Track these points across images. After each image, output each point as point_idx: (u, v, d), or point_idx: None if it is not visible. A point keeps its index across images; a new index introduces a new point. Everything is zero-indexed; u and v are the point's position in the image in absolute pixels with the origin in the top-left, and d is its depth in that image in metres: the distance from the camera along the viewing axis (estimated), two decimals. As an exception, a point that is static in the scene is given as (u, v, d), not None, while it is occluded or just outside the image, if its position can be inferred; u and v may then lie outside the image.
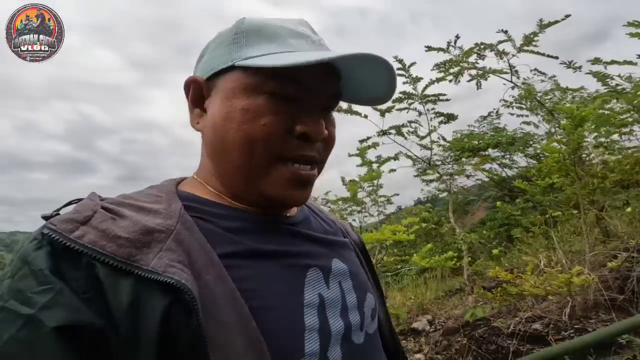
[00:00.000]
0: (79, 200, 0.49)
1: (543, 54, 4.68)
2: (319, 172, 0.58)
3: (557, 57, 4.60)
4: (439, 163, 6.18)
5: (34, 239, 0.42)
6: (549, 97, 4.87)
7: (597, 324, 2.29)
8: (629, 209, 2.98)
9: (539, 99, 4.68)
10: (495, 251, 4.13)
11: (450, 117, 5.29)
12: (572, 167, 2.66)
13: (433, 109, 5.19)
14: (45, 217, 0.47)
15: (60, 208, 0.49)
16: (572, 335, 2.21)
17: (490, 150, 6.05)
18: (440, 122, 5.33)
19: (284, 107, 0.52)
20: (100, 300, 0.39)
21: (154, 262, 0.41)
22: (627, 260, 2.48)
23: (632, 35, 2.92)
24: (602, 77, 3.40)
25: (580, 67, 4.11)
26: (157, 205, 0.48)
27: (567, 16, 4.03)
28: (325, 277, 0.54)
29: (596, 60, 3.74)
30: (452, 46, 4.85)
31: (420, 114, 5.22)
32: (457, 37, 4.87)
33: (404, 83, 5.02)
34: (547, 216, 3.51)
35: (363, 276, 0.63)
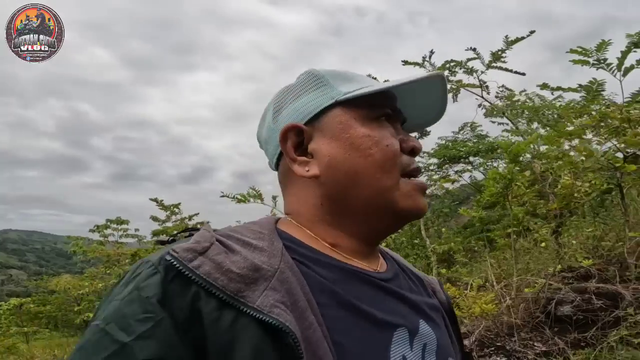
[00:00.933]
0: (195, 229, 0.51)
1: (510, 70, 4.93)
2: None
3: (524, 74, 4.87)
4: (423, 170, 6.36)
5: (152, 265, 0.43)
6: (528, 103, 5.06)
7: (515, 342, 2.52)
8: (543, 244, 3.21)
9: (511, 109, 4.89)
10: (443, 270, 4.26)
11: (423, 133, 5.47)
12: (504, 200, 2.87)
13: None
14: (160, 242, 0.50)
15: (176, 235, 0.53)
16: (491, 352, 2.43)
17: (471, 157, 6.27)
18: (415, 137, 5.52)
19: (391, 130, 0.57)
20: (198, 333, 0.40)
21: (260, 300, 0.42)
22: (549, 285, 2.72)
23: (575, 62, 3.16)
24: (534, 112, 3.61)
25: (551, 88, 4.31)
26: (261, 242, 0.49)
27: (532, 32, 4.30)
28: (410, 339, 0.53)
29: (544, 86, 4.00)
30: (427, 61, 5.07)
31: None
32: (432, 52, 5.10)
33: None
34: (484, 242, 3.72)
35: (446, 340, 0.61)
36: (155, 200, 7.04)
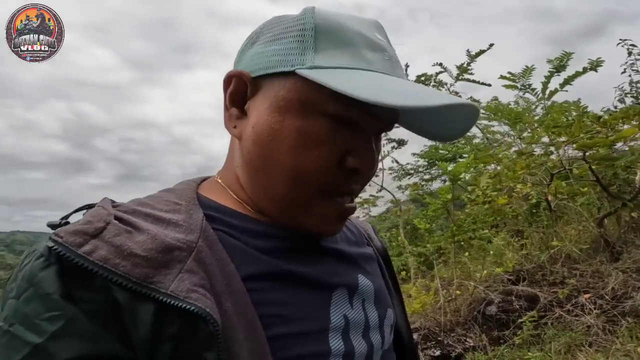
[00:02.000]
0: (90, 206, 0.44)
1: (477, 82, 5.19)
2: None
3: (490, 85, 5.14)
4: (412, 172, 6.62)
5: (40, 255, 0.37)
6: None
7: (453, 337, 2.90)
8: (464, 258, 3.55)
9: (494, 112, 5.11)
10: (402, 273, 4.57)
11: (400, 143, 5.77)
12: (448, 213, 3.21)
13: (385, 135, 5.68)
14: (52, 226, 0.41)
15: (69, 215, 0.43)
16: (431, 345, 2.82)
17: (460, 159, 6.54)
18: (393, 147, 5.80)
19: (340, 134, 0.46)
20: (117, 327, 0.35)
21: (174, 285, 0.37)
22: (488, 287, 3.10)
23: (507, 87, 3.44)
24: (509, 116, 3.88)
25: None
26: (176, 215, 0.43)
27: (491, 45, 4.56)
28: (350, 297, 0.51)
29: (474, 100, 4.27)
30: (406, 74, 5.38)
31: None
32: (407, 65, 5.39)
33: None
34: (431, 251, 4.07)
35: (385, 290, 0.59)
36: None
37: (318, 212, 0.48)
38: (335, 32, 0.46)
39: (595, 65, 3.31)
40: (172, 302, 0.36)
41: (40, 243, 0.39)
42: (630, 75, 2.95)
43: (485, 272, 3.15)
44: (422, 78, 5.09)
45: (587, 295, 2.69)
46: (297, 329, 0.44)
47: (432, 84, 5.12)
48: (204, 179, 0.55)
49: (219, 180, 0.54)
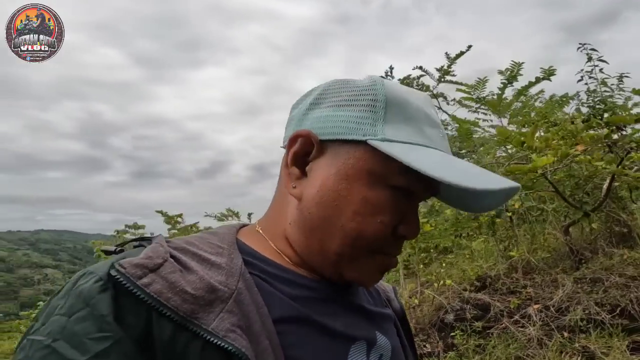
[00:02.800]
0: (144, 239, 0.48)
1: (460, 83, 5.15)
2: None
3: (467, 85, 5.08)
4: None
5: (99, 279, 0.40)
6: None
7: (419, 342, 2.95)
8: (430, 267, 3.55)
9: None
10: (390, 275, 4.63)
11: None
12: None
13: None
14: (107, 252, 0.45)
15: (124, 244, 0.48)
16: None
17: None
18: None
19: (401, 205, 0.49)
20: (152, 354, 0.38)
21: (215, 323, 0.40)
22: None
23: (464, 99, 3.40)
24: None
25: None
26: (219, 258, 0.47)
27: (470, 47, 4.50)
28: (367, 350, 0.52)
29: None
30: (390, 76, 5.38)
31: None
32: (392, 67, 5.39)
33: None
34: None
35: (400, 350, 0.60)
36: (160, 212, 7.74)
37: (364, 268, 0.51)
38: (403, 106, 0.48)
39: (548, 74, 3.23)
40: (212, 339, 0.39)
41: (98, 266, 0.42)
42: (587, 84, 2.87)
43: (442, 282, 3.17)
44: (406, 81, 5.08)
45: (536, 306, 2.69)
46: None
47: (414, 86, 5.11)
48: (243, 226, 0.58)
49: (259, 230, 0.56)
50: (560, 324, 2.41)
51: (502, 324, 2.71)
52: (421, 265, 3.60)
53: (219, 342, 0.39)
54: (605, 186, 2.94)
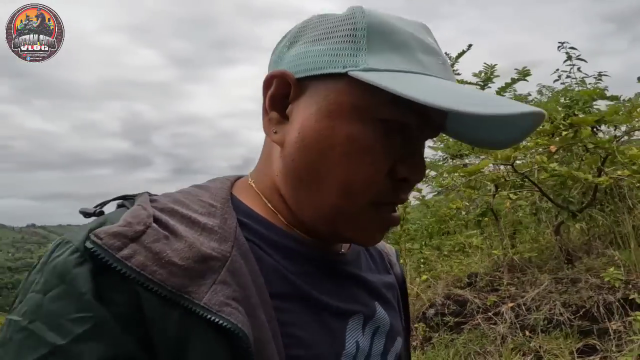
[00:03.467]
0: (126, 197, 0.43)
1: (465, 82, 5.10)
2: None
3: (478, 85, 5.01)
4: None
5: (75, 250, 0.35)
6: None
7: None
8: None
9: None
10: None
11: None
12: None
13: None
14: (86, 214, 0.41)
15: (104, 204, 0.44)
16: None
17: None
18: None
19: (393, 140, 0.43)
20: (142, 332, 0.34)
21: (208, 296, 0.36)
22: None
23: None
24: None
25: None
26: (211, 220, 0.42)
27: (470, 45, 4.42)
28: (364, 324, 0.50)
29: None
30: None
31: None
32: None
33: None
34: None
35: (397, 319, 0.58)
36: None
37: (363, 225, 0.46)
38: (389, 33, 0.43)
39: (524, 75, 3.14)
40: (205, 314, 0.35)
41: (75, 234, 0.37)
42: (563, 83, 2.74)
43: (424, 277, 3.23)
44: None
45: (510, 304, 2.71)
46: (314, 352, 0.43)
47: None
48: (238, 178, 0.53)
49: (253, 185, 0.51)
50: (527, 323, 2.43)
51: (475, 321, 2.75)
52: (408, 261, 3.66)
53: (213, 318, 0.35)
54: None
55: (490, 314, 2.74)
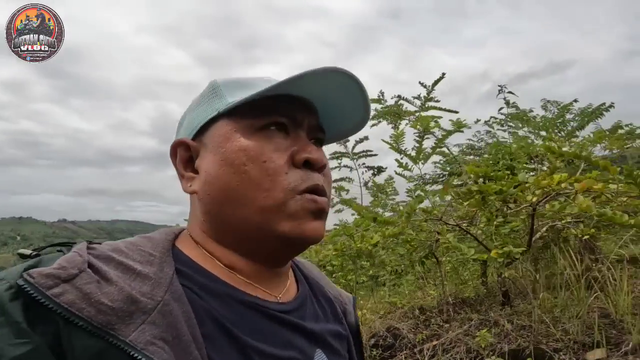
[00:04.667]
0: (64, 244, 0.47)
1: (445, 109, 5.22)
2: (326, 215, 0.54)
3: (457, 112, 5.12)
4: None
5: (10, 287, 0.39)
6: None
7: None
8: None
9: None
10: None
11: (379, 170, 5.93)
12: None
13: (364, 164, 5.87)
14: (23, 256, 0.45)
15: (42, 248, 0.47)
16: None
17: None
18: (372, 174, 5.97)
19: (278, 140, 0.52)
20: None
21: (134, 335, 0.39)
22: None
23: (390, 146, 3.53)
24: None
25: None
26: (147, 267, 0.45)
27: (444, 74, 4.57)
28: None
29: None
30: (381, 99, 5.57)
31: (351, 169, 5.92)
32: (382, 92, 5.60)
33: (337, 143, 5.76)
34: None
35: None
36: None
37: (292, 213, 0.50)
38: (238, 81, 0.56)
39: (458, 126, 3.29)
40: (130, 351, 0.37)
41: (10, 272, 0.40)
42: (495, 136, 2.84)
43: (364, 310, 3.43)
44: (382, 108, 5.25)
45: (434, 343, 2.87)
46: None
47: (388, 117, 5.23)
48: (183, 229, 0.58)
49: (191, 236, 0.55)
50: (438, 363, 2.58)
51: (400, 356, 2.92)
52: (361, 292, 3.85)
53: (137, 355, 0.37)
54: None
55: (415, 350, 2.90)
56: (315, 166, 0.53)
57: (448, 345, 2.71)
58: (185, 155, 0.56)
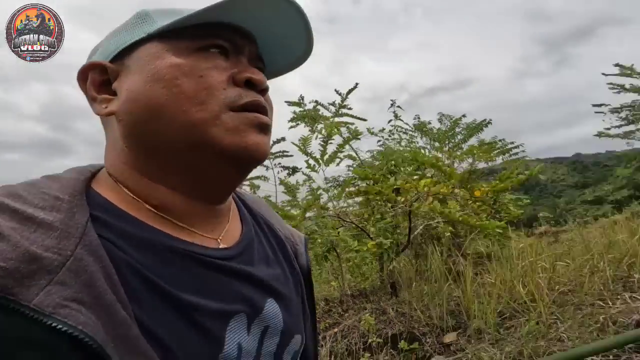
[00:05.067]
0: None
1: (355, 117, 5.71)
2: (270, 131, 0.50)
3: (365, 119, 5.67)
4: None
5: None
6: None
7: None
8: None
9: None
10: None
11: (294, 170, 6.29)
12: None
13: (279, 163, 6.18)
14: None
15: None
16: None
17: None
18: (287, 174, 6.30)
19: (220, 63, 0.47)
20: None
21: (39, 298, 0.32)
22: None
23: (299, 150, 4.04)
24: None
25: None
26: (52, 214, 0.37)
27: (357, 84, 5.08)
28: (249, 323, 0.47)
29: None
30: (302, 102, 5.87)
31: (267, 168, 6.20)
32: (302, 97, 5.90)
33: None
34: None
35: (295, 315, 0.55)
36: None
37: (233, 127, 0.45)
38: (172, 10, 0.49)
39: (355, 134, 3.92)
40: (36, 316, 0.32)
41: None
42: (380, 144, 3.51)
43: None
44: (301, 111, 5.61)
45: (335, 330, 3.38)
46: (175, 354, 0.39)
47: (306, 120, 5.62)
48: (102, 167, 0.50)
49: (110, 174, 0.48)
50: (335, 349, 3.10)
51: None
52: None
53: (46, 320, 0.32)
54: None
55: (319, 337, 3.40)
56: (258, 88, 0.48)
57: (346, 332, 3.25)
58: (99, 78, 0.49)
